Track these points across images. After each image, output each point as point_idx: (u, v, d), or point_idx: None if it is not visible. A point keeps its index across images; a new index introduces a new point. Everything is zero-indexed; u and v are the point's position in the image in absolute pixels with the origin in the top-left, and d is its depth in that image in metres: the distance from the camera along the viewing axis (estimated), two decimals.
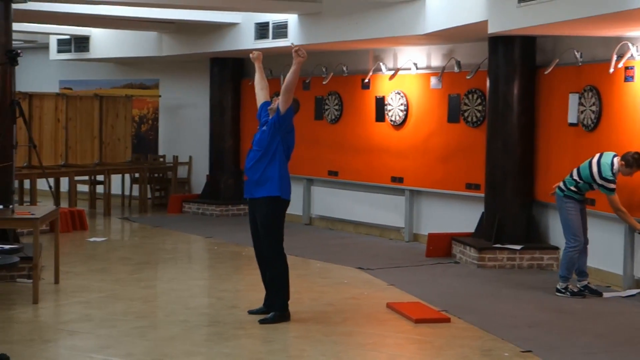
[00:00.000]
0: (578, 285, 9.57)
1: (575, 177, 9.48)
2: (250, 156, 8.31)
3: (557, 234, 11.03)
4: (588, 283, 9.65)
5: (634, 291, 9.63)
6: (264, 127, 8.29)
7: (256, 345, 7.54)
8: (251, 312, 8.46)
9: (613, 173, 9.18)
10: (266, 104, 8.48)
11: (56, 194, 15.71)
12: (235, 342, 7.57)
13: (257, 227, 8.35)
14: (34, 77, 19.18)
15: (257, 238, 8.42)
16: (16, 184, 15.10)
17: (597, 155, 9.44)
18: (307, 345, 7.47)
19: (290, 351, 7.38)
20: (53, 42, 18.35)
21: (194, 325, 8.14)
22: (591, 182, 9.34)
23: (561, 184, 9.66)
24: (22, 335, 7.69)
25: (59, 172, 15.63)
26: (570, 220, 9.58)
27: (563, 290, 9.53)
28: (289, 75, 8.23)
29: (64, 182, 16.34)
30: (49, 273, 10.04)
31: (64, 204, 15.72)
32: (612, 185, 9.20)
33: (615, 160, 9.22)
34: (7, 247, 8.43)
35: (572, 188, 9.53)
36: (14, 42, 11.42)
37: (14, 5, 10.76)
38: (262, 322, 8.17)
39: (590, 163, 9.40)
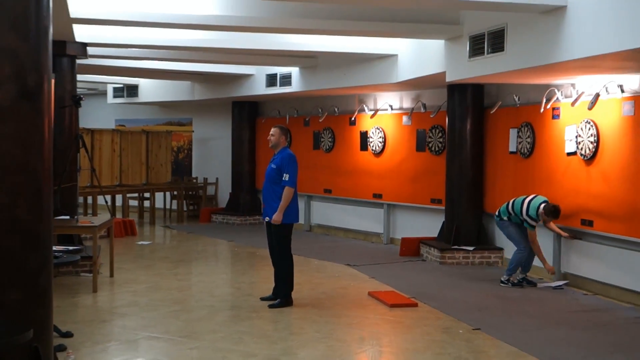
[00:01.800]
0: (518, 278, 9.57)
1: (510, 209, 9.57)
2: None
3: (502, 238, 11.00)
4: (526, 276, 9.65)
5: (561, 282, 9.62)
6: (273, 165, 8.36)
7: (265, 325, 7.52)
8: (262, 299, 8.46)
9: (537, 215, 9.26)
10: None
11: (112, 208, 15.74)
12: (249, 322, 7.57)
13: (272, 235, 8.39)
14: (96, 117, 19.22)
15: (272, 243, 8.44)
16: (81, 199, 15.15)
17: (531, 196, 9.51)
18: (305, 325, 7.47)
19: (292, 329, 7.39)
20: (110, 89, 18.44)
21: (217, 309, 8.13)
22: (519, 215, 9.42)
23: (497, 212, 9.74)
24: (83, 317, 7.71)
25: (115, 191, 15.63)
26: (511, 234, 9.64)
27: (506, 282, 9.53)
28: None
29: (119, 199, 16.35)
30: (105, 269, 10.05)
31: (119, 215, 15.74)
32: (534, 223, 9.36)
33: (541, 206, 9.28)
34: (71, 248, 8.44)
35: (504, 218, 9.61)
36: (79, 90, 11.49)
37: (78, 60, 10.77)
38: (271, 306, 8.17)
39: (522, 201, 9.48)
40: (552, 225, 9.50)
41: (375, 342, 7.14)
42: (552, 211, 9.27)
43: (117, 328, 7.33)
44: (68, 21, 8.74)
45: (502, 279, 9.57)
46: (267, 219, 8.31)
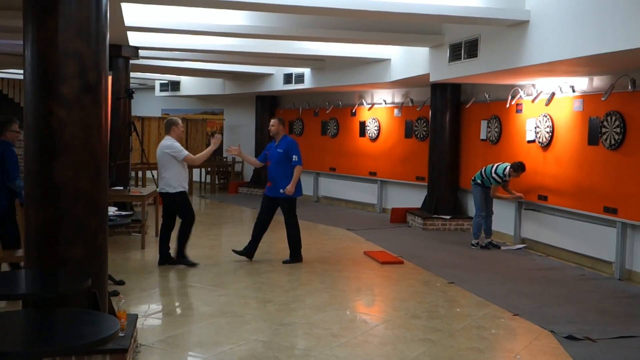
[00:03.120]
0: (485, 242, 9.58)
1: (483, 174, 9.51)
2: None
3: (473, 209, 11.01)
4: (492, 240, 9.65)
5: (521, 246, 9.62)
6: (280, 150, 8.20)
7: (280, 277, 7.54)
8: (235, 251, 8.28)
9: (503, 174, 9.22)
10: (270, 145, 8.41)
11: (157, 181, 15.77)
12: (267, 275, 7.60)
13: (271, 206, 8.24)
14: (146, 107, 19.18)
15: (264, 215, 8.29)
16: (133, 174, 15.18)
17: (498, 163, 9.47)
18: (312, 277, 7.51)
19: (301, 281, 7.40)
20: (157, 84, 18.39)
21: (241, 264, 8.15)
22: (489, 176, 9.38)
23: (474, 177, 9.68)
24: (134, 269, 7.75)
25: None
26: (476, 199, 9.61)
27: (475, 245, 9.54)
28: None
29: None
30: (152, 230, 10.07)
31: None
32: (499, 180, 9.31)
33: (507, 168, 9.24)
34: (124, 213, 8.43)
35: (478, 181, 9.57)
36: (132, 85, 11.54)
37: (131, 61, 10.75)
38: (285, 262, 8.18)
39: (492, 166, 9.43)
40: (508, 190, 9.47)
41: (368, 292, 7.19)
42: (520, 165, 9.19)
43: (161, 278, 7.39)
44: (123, 29, 8.71)
45: (472, 243, 9.57)
46: (267, 194, 8.26)
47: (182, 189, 7.81)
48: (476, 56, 8.29)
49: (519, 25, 7.35)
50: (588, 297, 6.91)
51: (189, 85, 17.54)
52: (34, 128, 4.22)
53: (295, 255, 8.30)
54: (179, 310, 6.14)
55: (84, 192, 4.26)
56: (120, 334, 4.48)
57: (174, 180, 7.76)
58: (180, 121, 8.01)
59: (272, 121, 8.39)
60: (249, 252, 8.30)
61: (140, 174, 15.69)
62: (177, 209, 7.91)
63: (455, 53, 8.75)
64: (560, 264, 8.61)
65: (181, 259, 7.93)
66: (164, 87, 18.15)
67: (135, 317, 4.99)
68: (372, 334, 5.52)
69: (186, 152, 7.79)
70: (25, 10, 4.22)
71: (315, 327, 5.62)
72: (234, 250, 8.38)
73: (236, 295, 6.65)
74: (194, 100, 19.34)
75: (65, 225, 4.22)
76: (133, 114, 12.64)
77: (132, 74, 16.41)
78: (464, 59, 8.55)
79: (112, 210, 7.20)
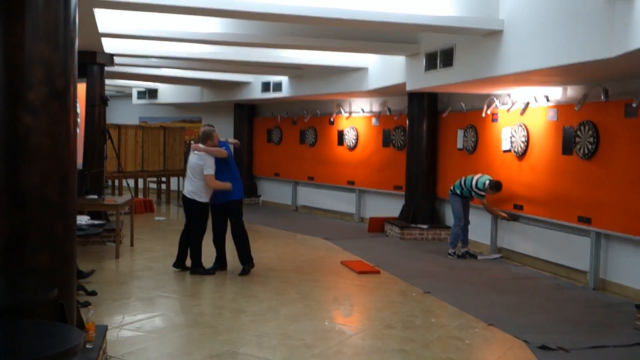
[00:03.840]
0: (462, 251, 9.58)
1: (462, 185, 9.51)
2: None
3: (451, 218, 11.03)
4: (468, 249, 9.65)
5: (497, 255, 9.64)
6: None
7: (255, 287, 7.43)
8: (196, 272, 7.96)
9: (484, 188, 9.22)
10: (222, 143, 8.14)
11: (134, 189, 15.63)
12: (242, 285, 7.50)
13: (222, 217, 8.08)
14: (123, 115, 19.03)
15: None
16: (110, 183, 15.03)
17: (479, 175, 9.47)
18: (288, 287, 7.43)
19: (277, 291, 7.27)
20: (134, 92, 18.24)
21: (217, 274, 8.02)
22: (470, 189, 9.38)
23: (452, 187, 9.68)
24: (106, 278, 7.63)
25: (137, 175, 15.51)
26: (455, 209, 9.61)
27: (452, 254, 9.53)
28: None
29: (141, 182, 16.22)
30: (127, 239, 9.95)
31: (140, 196, 15.63)
32: (483, 193, 9.27)
33: (487, 183, 9.24)
34: (97, 222, 8.29)
35: (457, 191, 9.57)
36: (109, 92, 11.36)
37: (107, 68, 10.62)
38: (241, 274, 7.90)
39: (472, 178, 9.44)
40: (495, 209, 9.47)
41: (344, 302, 7.12)
42: (495, 185, 9.20)
43: (134, 288, 7.27)
44: (97, 35, 8.61)
45: (449, 252, 9.57)
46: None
47: (206, 201, 7.88)
48: (451, 65, 8.31)
49: (493, 35, 7.38)
50: (562, 307, 6.92)
51: (167, 93, 17.42)
52: (0, 133, 4.12)
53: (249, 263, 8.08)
54: (151, 321, 6.03)
55: (51, 199, 4.17)
56: (88, 346, 4.38)
57: (203, 190, 7.82)
58: (215, 133, 7.95)
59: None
60: (221, 264, 8.19)
61: (117, 182, 15.52)
62: (196, 217, 7.93)
63: (432, 62, 8.76)
64: (536, 274, 8.62)
65: (196, 269, 7.91)
66: (141, 94, 18.00)
67: (105, 328, 4.88)
68: (346, 344, 5.47)
69: (211, 172, 7.79)
70: None
71: (288, 337, 5.55)
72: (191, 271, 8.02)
73: (210, 305, 6.57)
74: (171, 109, 19.20)
75: (31, 233, 4.13)
76: (110, 121, 12.52)
77: (108, 81, 16.30)
78: (440, 67, 8.56)
79: (84, 220, 7.07)
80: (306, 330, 5.78)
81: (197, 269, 7.93)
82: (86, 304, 6.32)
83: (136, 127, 15.92)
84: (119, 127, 15.09)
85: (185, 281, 7.58)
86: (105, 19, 8.35)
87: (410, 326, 6.01)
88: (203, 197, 7.85)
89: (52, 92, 4.14)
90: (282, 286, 7.49)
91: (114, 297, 6.74)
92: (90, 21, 7.60)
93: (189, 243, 8.03)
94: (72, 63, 4.31)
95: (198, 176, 7.81)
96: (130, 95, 18.83)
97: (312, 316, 6.25)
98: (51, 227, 4.17)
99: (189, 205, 7.95)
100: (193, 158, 7.87)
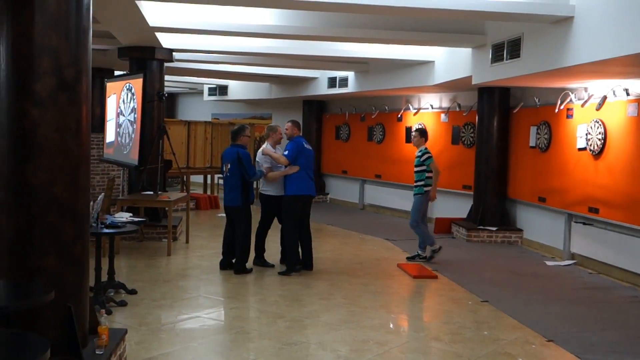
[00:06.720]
0: (430, 253, 8.74)
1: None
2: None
3: (522, 220, 10.35)
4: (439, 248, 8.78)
5: (570, 262, 8.90)
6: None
7: (301, 290, 7.07)
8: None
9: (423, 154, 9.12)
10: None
11: (204, 186, 15.58)
12: (288, 287, 7.15)
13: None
14: (195, 111, 19.15)
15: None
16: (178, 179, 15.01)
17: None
18: (335, 291, 7.03)
19: (322, 295, 6.88)
20: (205, 89, 18.30)
21: (264, 274, 7.77)
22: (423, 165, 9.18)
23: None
24: (151, 277, 7.45)
25: (205, 171, 15.43)
26: (414, 205, 9.16)
27: (416, 257, 8.83)
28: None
29: (209, 178, 16.20)
30: (183, 236, 9.82)
31: (208, 192, 15.58)
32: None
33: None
34: (137, 219, 7.72)
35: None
36: (181, 89, 11.23)
37: (166, 64, 10.52)
38: (280, 273, 7.74)
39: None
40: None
41: (391, 310, 6.61)
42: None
43: (176, 288, 7.02)
44: (149, 30, 8.46)
45: (417, 254, 8.78)
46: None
47: (275, 194, 7.94)
48: (519, 56, 7.67)
49: (564, 22, 6.71)
50: (637, 323, 6.19)
51: (237, 89, 17.35)
52: (6, 128, 3.92)
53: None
54: (182, 324, 5.75)
55: (59, 197, 3.94)
56: (98, 352, 4.14)
57: (272, 184, 7.93)
58: (279, 128, 8.22)
59: (287, 124, 8.12)
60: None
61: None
62: (276, 211, 8.00)
63: (498, 53, 8.15)
64: (612, 283, 7.86)
65: (259, 261, 8.11)
66: (212, 91, 18.03)
67: (124, 332, 4.63)
68: (384, 357, 5.01)
69: (268, 166, 7.93)
70: None
71: (321, 348, 5.15)
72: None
73: (249, 308, 6.27)
74: (242, 105, 19.15)
75: (38, 233, 3.91)
76: (182, 118, 12.45)
77: (179, 78, 16.41)
78: (507, 59, 7.94)
79: (125, 216, 6.91)
80: (343, 339, 5.36)
81: (259, 259, 8.12)
82: (123, 303, 6.17)
83: (205, 124, 15.89)
84: (188, 123, 15.09)
85: (230, 281, 7.31)
86: (158, 12, 8.19)
87: (459, 339, 5.48)
88: (274, 191, 7.93)
89: (60, 84, 3.92)
90: (328, 290, 7.09)
91: (153, 297, 6.53)
92: (134, 15, 7.42)
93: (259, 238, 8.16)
94: (85, 53, 4.06)
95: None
96: (202, 92, 18.91)
97: (353, 324, 5.82)
98: (59, 227, 3.95)
99: (263, 201, 8.09)
100: (259, 158, 8.05)
